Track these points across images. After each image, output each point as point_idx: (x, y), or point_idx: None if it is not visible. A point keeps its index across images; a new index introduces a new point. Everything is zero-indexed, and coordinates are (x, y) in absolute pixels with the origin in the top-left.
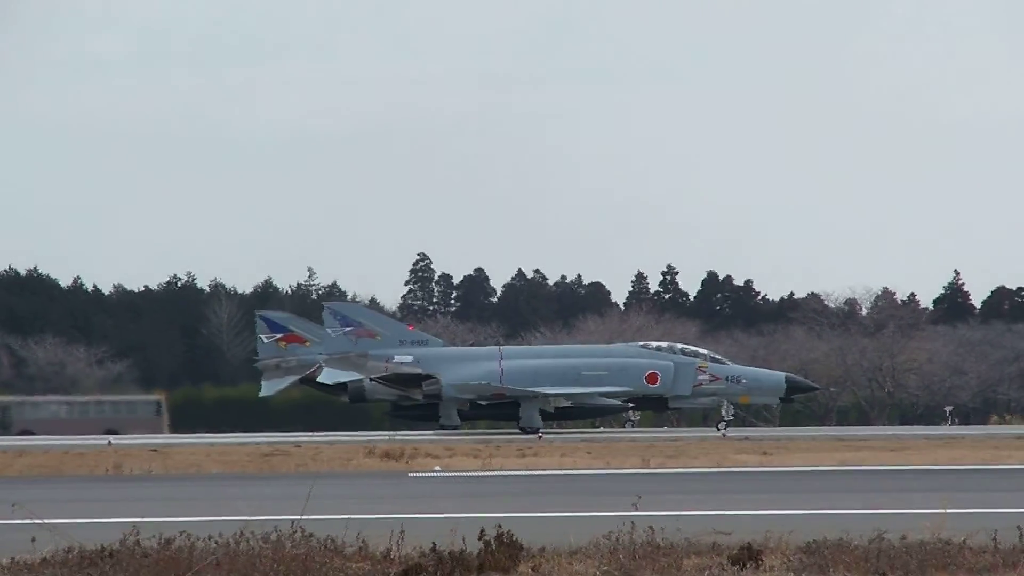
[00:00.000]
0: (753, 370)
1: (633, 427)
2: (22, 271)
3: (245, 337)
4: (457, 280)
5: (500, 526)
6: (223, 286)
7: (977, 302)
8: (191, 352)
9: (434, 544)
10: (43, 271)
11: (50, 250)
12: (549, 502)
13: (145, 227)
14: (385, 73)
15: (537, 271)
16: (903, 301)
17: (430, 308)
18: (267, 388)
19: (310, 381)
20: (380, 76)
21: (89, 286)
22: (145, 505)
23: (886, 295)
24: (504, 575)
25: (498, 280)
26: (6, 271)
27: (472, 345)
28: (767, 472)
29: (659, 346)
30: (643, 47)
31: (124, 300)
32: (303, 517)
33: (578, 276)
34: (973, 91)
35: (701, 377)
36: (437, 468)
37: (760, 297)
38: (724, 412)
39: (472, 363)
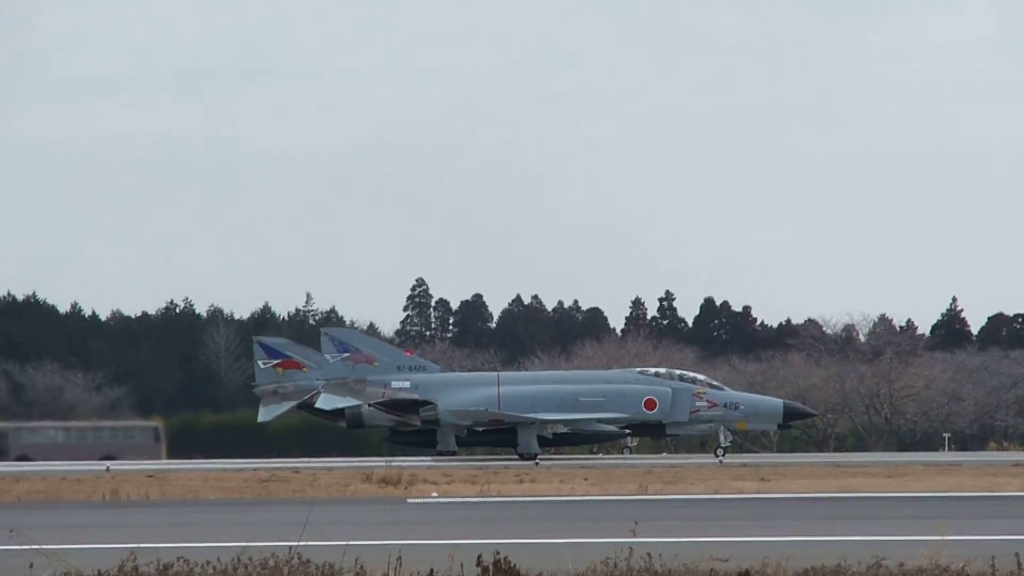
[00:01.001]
0: (751, 396)
1: (631, 453)
2: (20, 297)
3: (243, 363)
4: (455, 306)
5: (498, 552)
6: (221, 312)
7: (975, 328)
8: (189, 378)
9: (432, 570)
10: (41, 297)
11: (48, 276)
12: (547, 528)
13: (143, 253)
14: (381, 97)
15: (535, 297)
16: (901, 327)
17: (428, 334)
18: (265, 414)
19: (308, 407)
20: (376, 100)
21: (87, 312)
22: (143, 531)
23: (884, 321)
24: None
25: (496, 306)
26: (4, 297)
27: (470, 371)
28: (765, 499)
29: (657, 372)
30: (639, 74)
31: (122, 326)
32: (301, 543)
33: (576, 302)
34: (970, 117)
35: (699, 403)
36: (435, 494)
37: (758, 323)
38: (722, 438)
39: (470, 389)
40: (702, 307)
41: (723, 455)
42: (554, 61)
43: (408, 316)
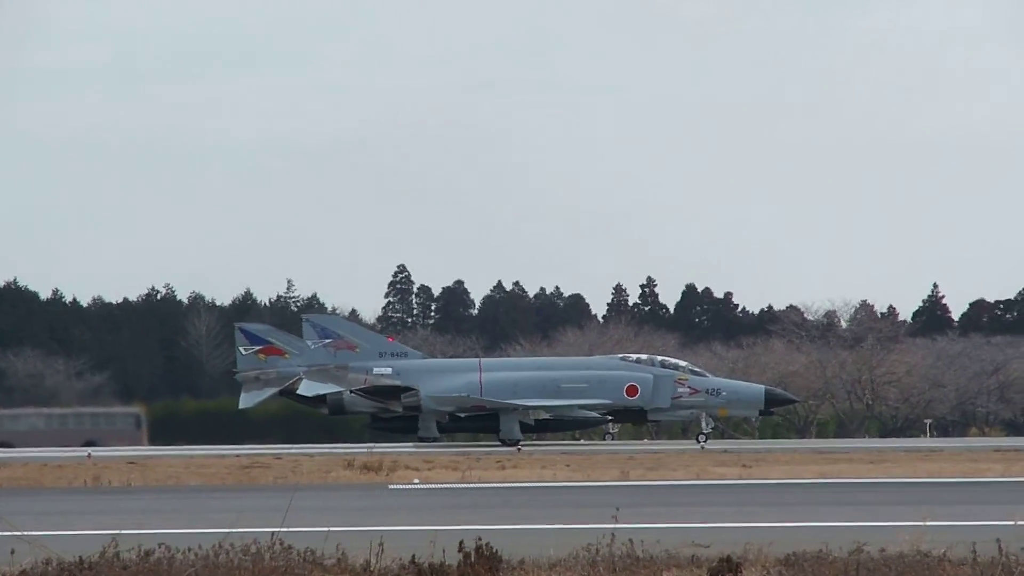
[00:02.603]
0: (732, 383)
1: (612, 439)
2: (0, 283)
3: (224, 349)
4: (436, 292)
5: (480, 538)
6: (202, 298)
7: (956, 315)
8: (170, 364)
9: (414, 556)
10: (22, 283)
11: (29, 262)
12: (529, 514)
13: (124, 239)
14: (363, 85)
15: (516, 283)
16: (882, 314)
17: (409, 320)
18: (246, 400)
19: (289, 393)
20: (358, 87)
21: (68, 298)
22: (124, 517)
23: (865, 307)
24: None
25: (477, 292)
26: None
27: (452, 357)
28: (746, 485)
29: (638, 358)
30: (621, 61)
31: (103, 312)
32: (282, 529)
33: (557, 288)
34: (951, 103)
35: (680, 390)
36: (416, 480)
37: (739, 309)
38: (703, 425)
39: (452, 375)
40: (684, 293)
41: (705, 441)
42: (535, 48)
43: (390, 303)
